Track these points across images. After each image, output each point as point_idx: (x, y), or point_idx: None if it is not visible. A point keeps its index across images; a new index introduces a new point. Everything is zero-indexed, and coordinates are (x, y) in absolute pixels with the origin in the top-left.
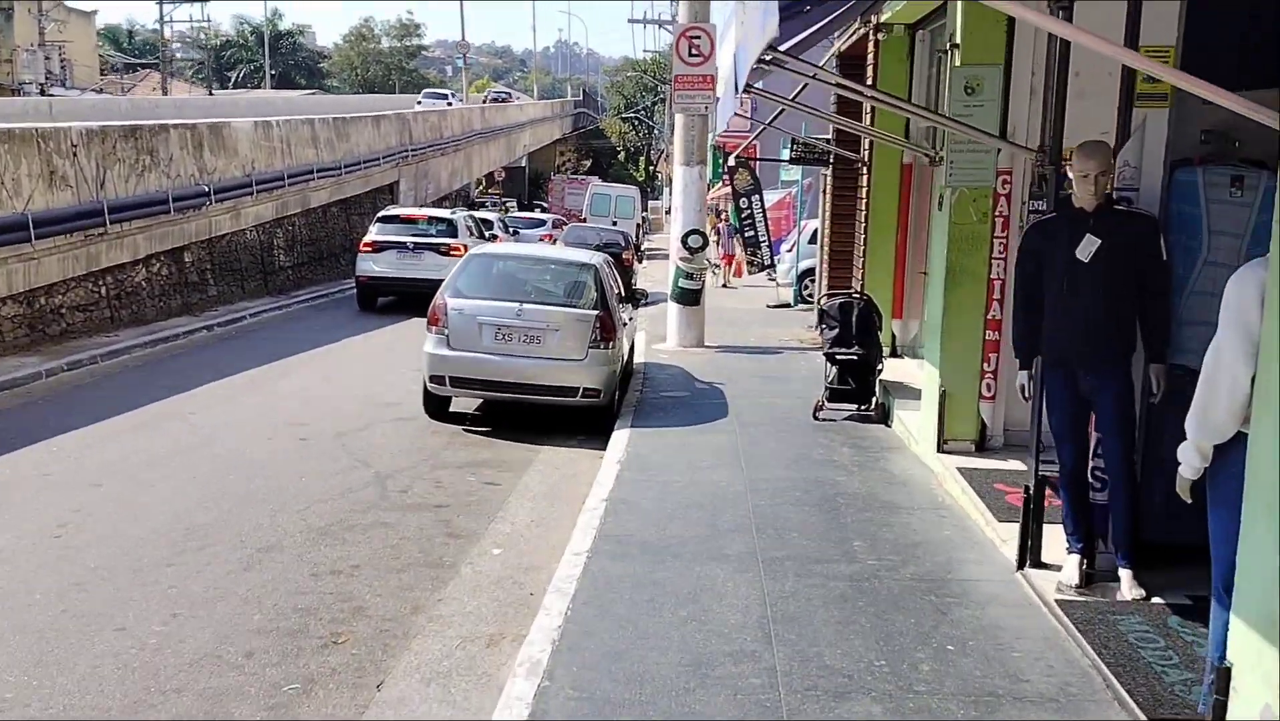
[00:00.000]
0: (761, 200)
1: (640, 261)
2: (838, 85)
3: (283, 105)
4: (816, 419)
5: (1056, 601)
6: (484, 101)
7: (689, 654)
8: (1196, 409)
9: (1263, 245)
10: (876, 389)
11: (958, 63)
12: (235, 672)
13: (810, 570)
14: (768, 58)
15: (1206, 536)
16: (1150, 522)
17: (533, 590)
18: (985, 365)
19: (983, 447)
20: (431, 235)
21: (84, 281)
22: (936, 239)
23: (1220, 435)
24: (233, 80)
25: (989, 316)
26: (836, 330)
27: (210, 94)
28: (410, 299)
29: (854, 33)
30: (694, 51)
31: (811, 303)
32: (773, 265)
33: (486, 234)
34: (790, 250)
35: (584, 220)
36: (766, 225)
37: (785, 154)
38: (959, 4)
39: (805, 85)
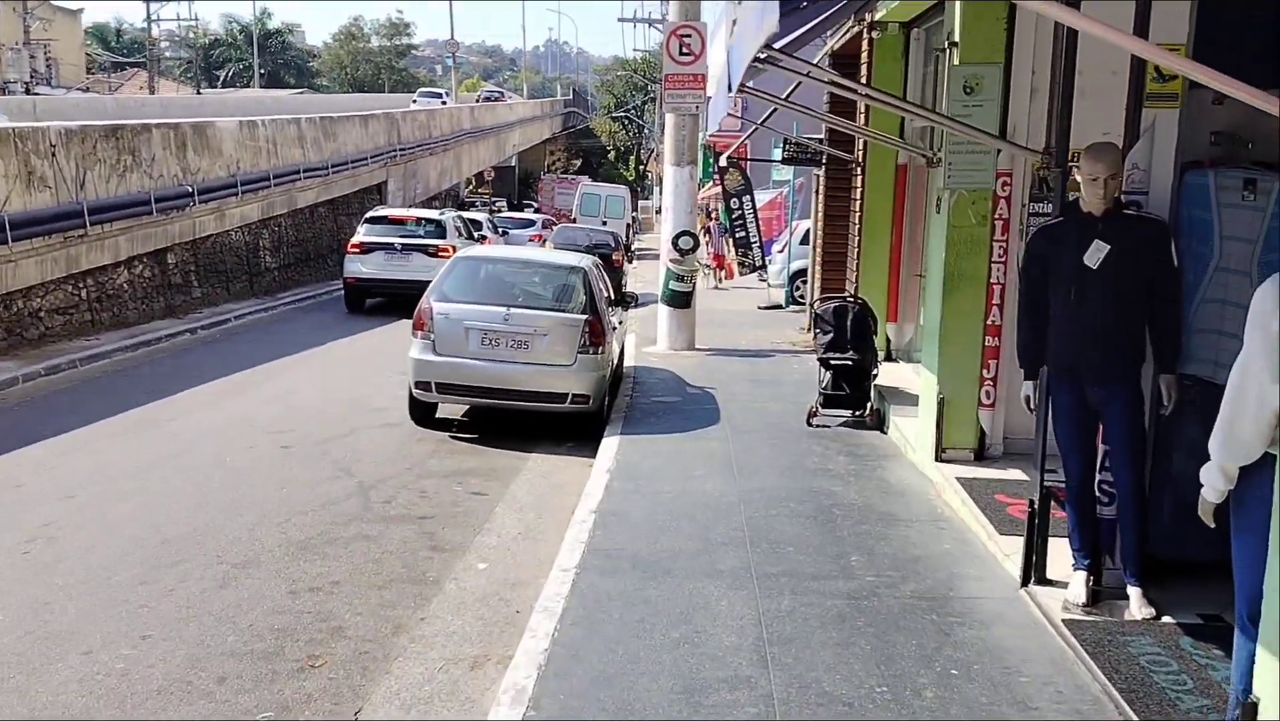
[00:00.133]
0: (753, 200)
1: (630, 262)
2: (834, 84)
3: (271, 104)
4: (810, 425)
5: (1063, 621)
6: (477, 100)
7: (681, 679)
8: (1221, 428)
9: (1276, 250)
10: (872, 394)
11: (956, 61)
12: (205, 700)
13: (807, 587)
14: (763, 55)
15: (1216, 553)
16: (1158, 538)
17: (519, 607)
18: (985, 372)
19: (982, 456)
20: (420, 236)
21: (63, 284)
22: (934, 242)
23: (1246, 456)
24: (221, 79)
25: (988, 321)
26: (831, 335)
27: (198, 93)
28: (398, 301)
29: (847, 31)
30: (685, 50)
31: (803, 304)
32: (764, 266)
33: (475, 235)
34: (781, 251)
35: (574, 220)
36: (758, 226)
37: (777, 154)
38: (958, 1)
39: (798, 84)
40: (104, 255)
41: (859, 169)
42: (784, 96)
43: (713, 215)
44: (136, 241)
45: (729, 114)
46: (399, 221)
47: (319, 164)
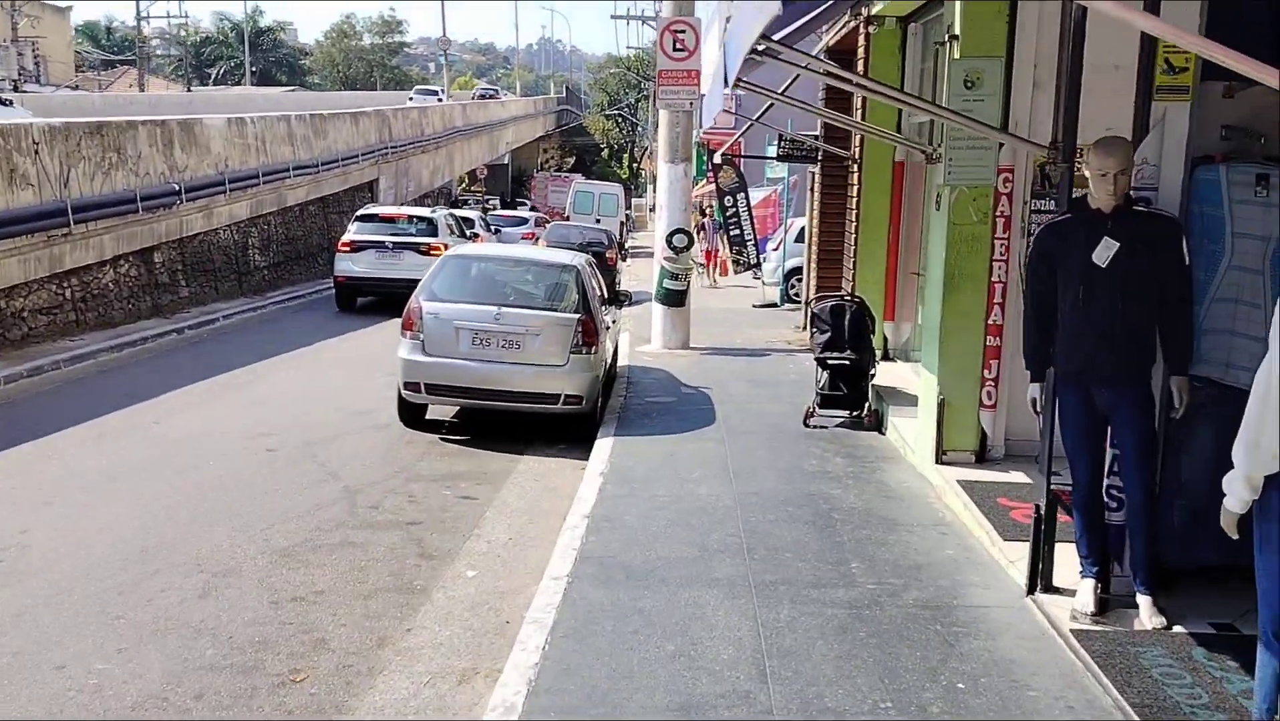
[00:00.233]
0: (747, 198)
1: (624, 260)
2: (832, 75)
3: (262, 102)
4: (808, 426)
5: (1072, 631)
6: (473, 98)
7: (677, 696)
8: (1246, 436)
9: None
10: (870, 395)
11: (957, 55)
12: (181, 718)
13: (807, 596)
14: (761, 47)
15: (1227, 557)
16: (1168, 544)
17: (509, 618)
18: (986, 372)
19: (983, 459)
20: (411, 234)
21: (47, 284)
22: (934, 240)
23: (1272, 465)
24: (213, 77)
25: (989, 321)
26: (828, 334)
27: (189, 91)
28: (390, 299)
29: (844, 26)
30: (678, 46)
31: (798, 302)
32: (758, 264)
33: (468, 232)
34: (776, 249)
35: (567, 218)
36: (752, 223)
37: (771, 151)
38: None
39: (794, 79)
40: (88, 254)
41: (856, 166)
42: (779, 92)
43: (707, 213)
44: (122, 240)
45: (724, 110)
46: (390, 219)
47: (309, 161)
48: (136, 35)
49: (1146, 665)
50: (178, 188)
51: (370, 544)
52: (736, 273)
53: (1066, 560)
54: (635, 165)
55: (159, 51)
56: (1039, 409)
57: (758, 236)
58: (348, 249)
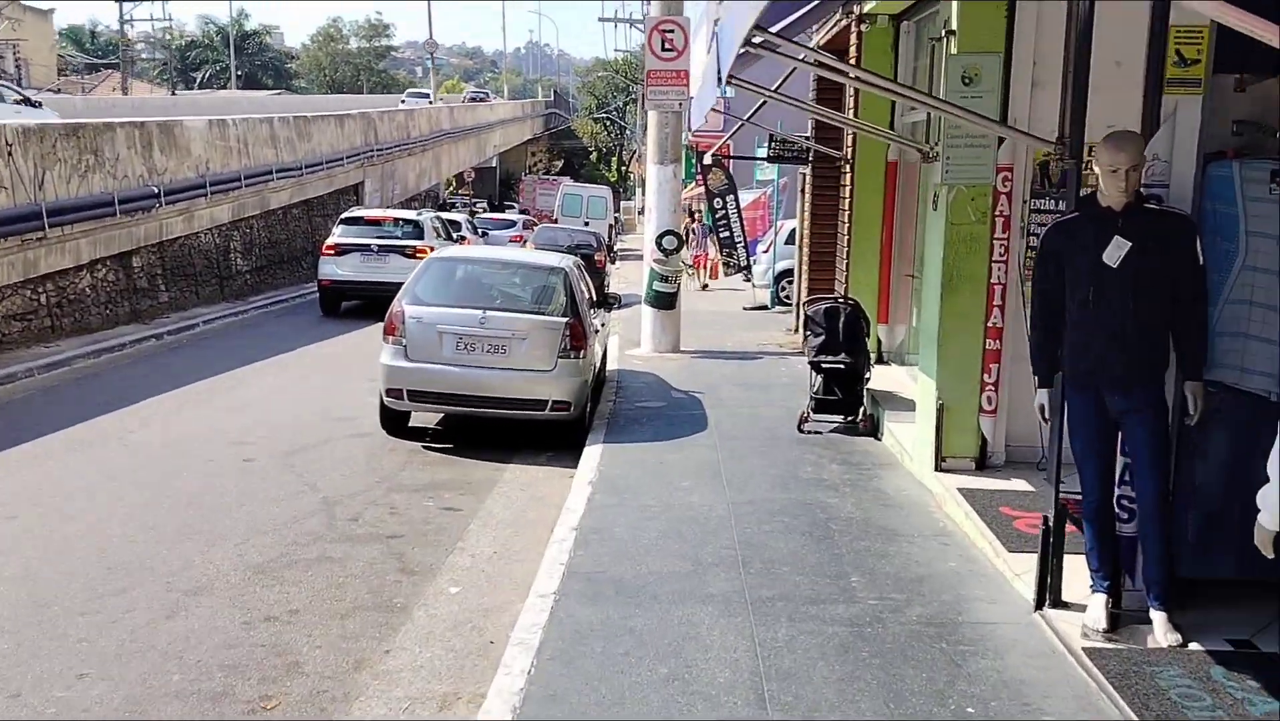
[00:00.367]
0: (736, 200)
1: (613, 262)
2: (828, 67)
3: (247, 105)
4: (802, 431)
5: (1084, 649)
6: (463, 101)
7: None
8: None
9: None
10: (865, 399)
11: (954, 50)
12: None
13: (805, 613)
14: (758, 39)
15: (1242, 571)
16: (1181, 555)
17: (493, 637)
18: (985, 376)
19: (983, 466)
20: (397, 237)
21: (21, 289)
22: (932, 240)
23: None
24: (198, 81)
25: (989, 324)
26: (822, 337)
27: (173, 94)
28: (375, 303)
29: (835, 24)
30: (667, 46)
31: (789, 304)
32: (748, 267)
33: (454, 235)
34: (766, 251)
35: (555, 221)
36: (742, 225)
37: (761, 152)
38: None
39: (786, 77)
40: (64, 258)
41: (848, 166)
42: (773, 89)
43: (695, 216)
44: (99, 244)
45: (712, 109)
46: (375, 222)
47: (293, 164)
48: (120, 38)
49: (1164, 686)
50: (157, 190)
51: (349, 558)
52: (727, 275)
53: (1075, 573)
54: (624, 168)
55: (144, 55)
56: (1047, 416)
57: (747, 239)
58: (332, 252)
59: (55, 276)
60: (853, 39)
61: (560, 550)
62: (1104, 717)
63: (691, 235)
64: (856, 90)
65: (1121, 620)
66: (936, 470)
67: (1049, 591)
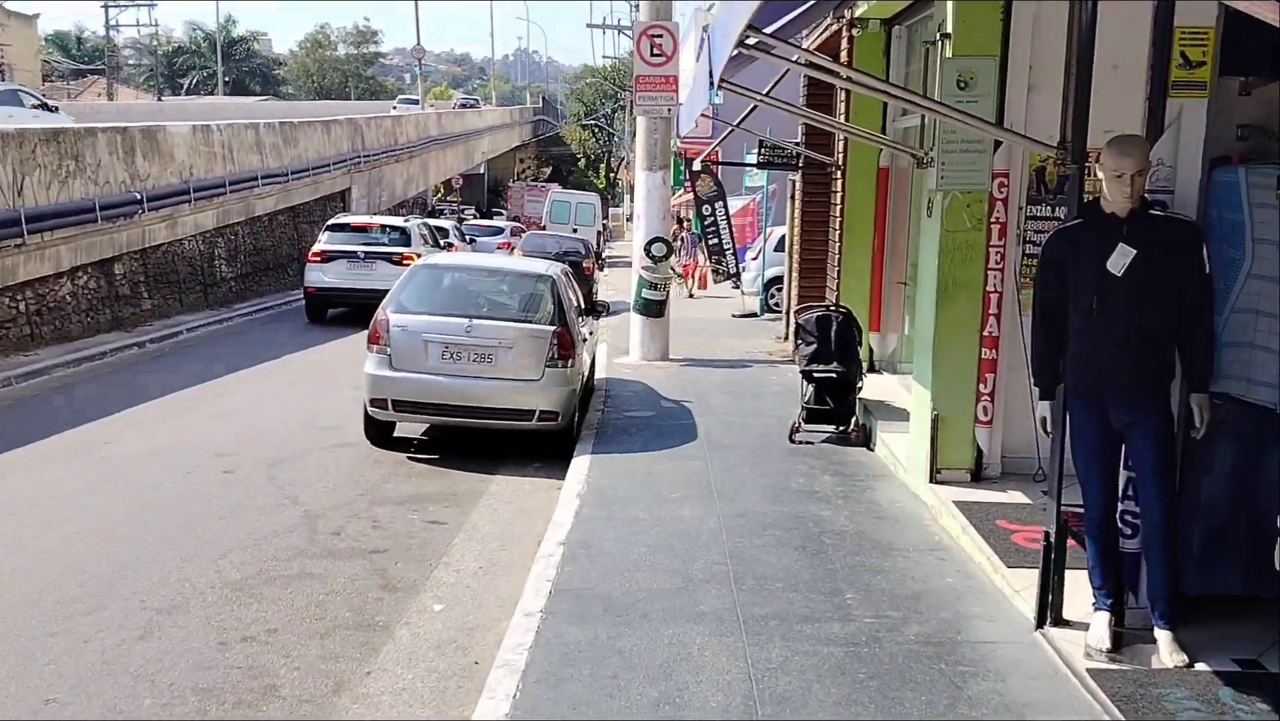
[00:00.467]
0: (725, 207)
1: (601, 269)
2: (821, 69)
3: (233, 111)
4: (793, 441)
5: (1088, 670)
6: (454, 108)
7: None
8: None
9: None
10: (857, 409)
11: (949, 54)
12: None
13: (800, 632)
14: (752, 40)
15: (1249, 587)
16: (1185, 571)
17: (478, 657)
18: (981, 386)
19: (979, 477)
20: (384, 244)
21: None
22: (926, 247)
23: None
24: (185, 87)
25: (985, 333)
26: (814, 346)
27: (159, 100)
28: (362, 310)
29: (826, 29)
30: (656, 51)
31: (778, 312)
32: (738, 274)
33: (441, 242)
34: (755, 258)
35: (543, 228)
36: (731, 232)
37: (750, 158)
38: None
39: (776, 82)
40: (44, 265)
41: (839, 172)
42: (764, 93)
43: (684, 223)
44: (80, 251)
45: (702, 114)
46: (362, 229)
47: (278, 170)
48: (106, 44)
49: (1171, 709)
50: (140, 197)
51: (330, 574)
52: (716, 282)
53: (1075, 588)
54: (612, 175)
55: (131, 61)
56: (1049, 430)
57: (736, 245)
58: (318, 259)
59: (35, 284)
60: (843, 43)
61: (547, 565)
62: None
63: (680, 242)
64: (847, 95)
65: (1125, 639)
66: (931, 482)
67: (1050, 609)
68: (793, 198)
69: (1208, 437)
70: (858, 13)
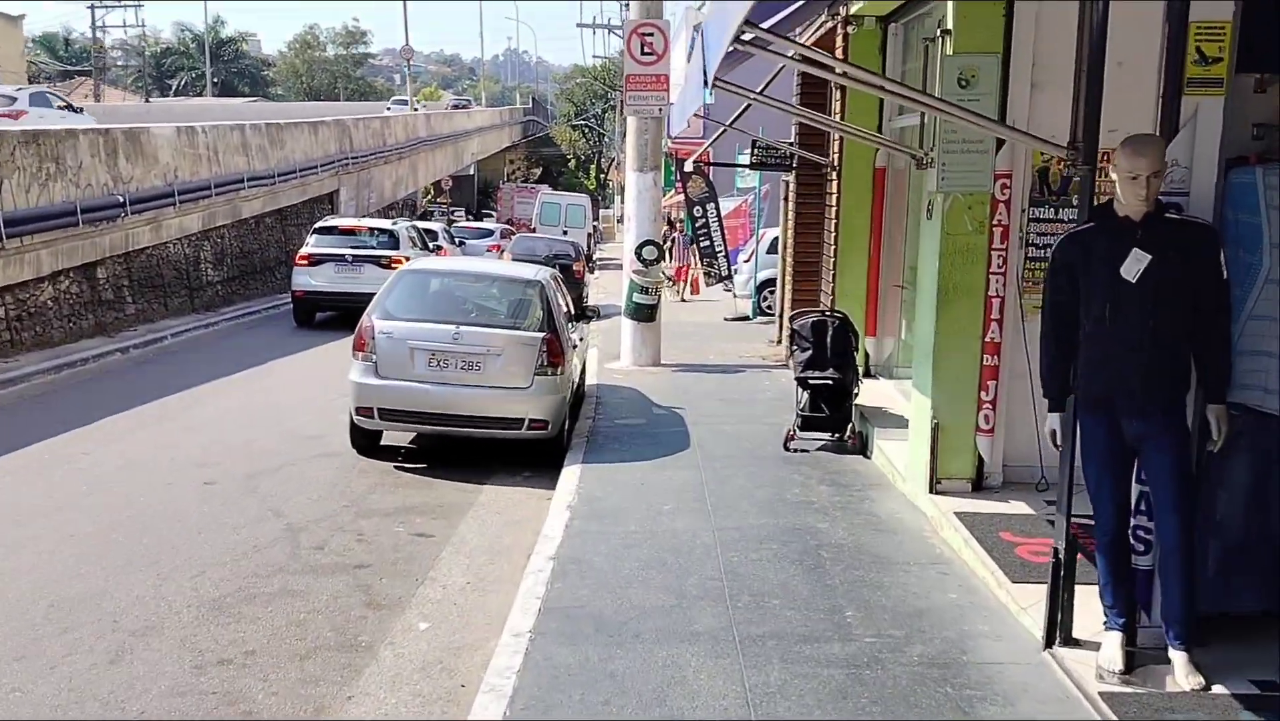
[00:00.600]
0: (717, 208)
1: (592, 272)
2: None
3: (221, 112)
4: (788, 449)
5: (1100, 694)
6: (446, 109)
7: None
8: None
9: None
10: (853, 416)
11: (949, 51)
12: None
13: (798, 653)
14: (748, 36)
15: (1268, 605)
16: (1201, 590)
17: (464, 680)
18: (983, 394)
19: (980, 487)
20: (372, 247)
21: None
22: (926, 251)
23: None
24: (174, 88)
25: (986, 339)
26: (809, 352)
27: (147, 101)
28: (350, 314)
29: (820, 27)
30: (647, 49)
31: (771, 315)
32: (730, 276)
33: (430, 245)
34: (748, 260)
35: (533, 230)
36: (723, 234)
37: (742, 159)
38: None
39: (770, 81)
40: (24, 270)
41: (834, 173)
42: (758, 91)
43: (676, 225)
44: (61, 255)
45: (693, 114)
46: (350, 231)
47: (265, 172)
48: (93, 45)
49: None
50: (122, 199)
51: (312, 591)
52: (708, 285)
53: (1082, 604)
54: (602, 176)
55: (119, 63)
56: (1059, 443)
57: (728, 248)
58: (306, 262)
59: (15, 289)
60: (838, 41)
61: (536, 581)
62: None
63: (672, 244)
64: (843, 95)
65: (1137, 659)
66: (931, 492)
67: (1059, 629)
68: (786, 199)
69: (1224, 450)
70: (852, 10)
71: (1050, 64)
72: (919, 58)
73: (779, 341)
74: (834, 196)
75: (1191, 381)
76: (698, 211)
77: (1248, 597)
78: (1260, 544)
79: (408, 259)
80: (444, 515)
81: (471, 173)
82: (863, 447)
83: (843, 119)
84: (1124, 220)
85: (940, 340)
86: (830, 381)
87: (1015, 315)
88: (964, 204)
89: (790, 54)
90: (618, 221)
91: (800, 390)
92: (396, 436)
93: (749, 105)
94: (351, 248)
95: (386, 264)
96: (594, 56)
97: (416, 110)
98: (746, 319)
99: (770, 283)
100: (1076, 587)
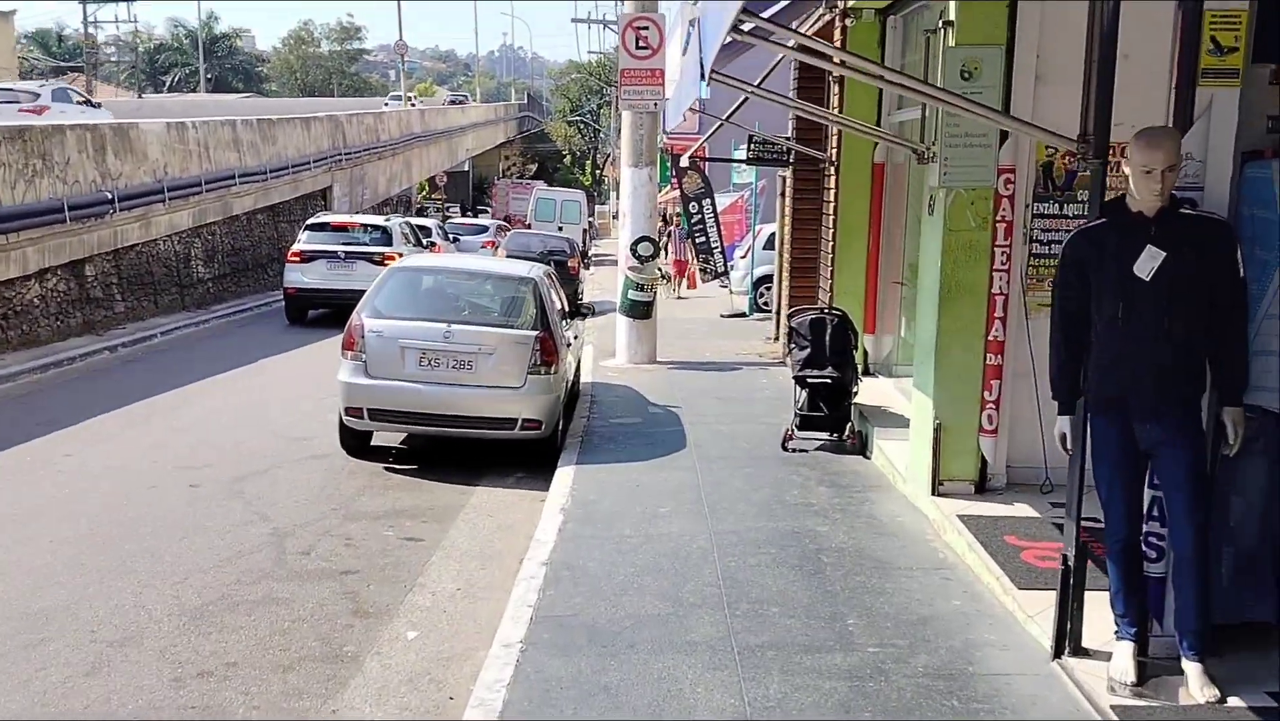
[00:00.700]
0: (713, 204)
1: (587, 268)
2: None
3: (213, 108)
4: (786, 449)
5: (1113, 707)
6: (444, 104)
7: None
8: None
9: None
10: (852, 415)
11: (952, 43)
12: None
13: (799, 664)
14: (747, 26)
15: None
16: (1215, 600)
17: (453, 692)
18: (986, 394)
19: (983, 489)
20: (365, 243)
21: None
22: (928, 248)
23: None
24: (167, 84)
25: (990, 337)
26: (808, 350)
27: (140, 97)
28: (342, 312)
29: (818, 19)
30: (642, 43)
31: (768, 311)
32: (726, 273)
33: (424, 241)
34: (744, 256)
35: (529, 226)
36: (719, 230)
37: (738, 154)
38: None
39: (766, 75)
40: (10, 268)
41: (832, 167)
42: (756, 84)
43: (672, 221)
44: (49, 252)
45: (689, 109)
46: (342, 228)
47: (256, 169)
48: (84, 41)
49: None
50: (111, 196)
51: (297, 599)
52: (704, 281)
53: (1091, 610)
54: (598, 172)
55: (112, 59)
56: (1069, 447)
57: (725, 244)
58: (298, 259)
59: (1, 286)
60: (836, 34)
61: (528, 588)
62: None
63: (668, 238)
64: (841, 89)
65: (1149, 669)
66: (933, 494)
67: (1069, 638)
68: (783, 194)
69: (1239, 454)
70: (850, 2)
71: (1055, 55)
72: (919, 50)
73: (776, 338)
74: (832, 192)
75: (1206, 383)
76: (693, 207)
77: (1263, 607)
78: (1276, 551)
79: (401, 255)
80: (435, 518)
81: (466, 169)
82: (862, 448)
83: (841, 113)
84: (1137, 216)
85: (942, 338)
86: (829, 380)
87: (1019, 313)
88: (966, 199)
89: (790, 44)
90: (613, 217)
91: (798, 389)
92: (387, 437)
93: (745, 99)
94: (344, 244)
95: (379, 260)
96: (589, 52)
97: (412, 105)
98: (743, 315)
99: (767, 279)
100: (1085, 594)
